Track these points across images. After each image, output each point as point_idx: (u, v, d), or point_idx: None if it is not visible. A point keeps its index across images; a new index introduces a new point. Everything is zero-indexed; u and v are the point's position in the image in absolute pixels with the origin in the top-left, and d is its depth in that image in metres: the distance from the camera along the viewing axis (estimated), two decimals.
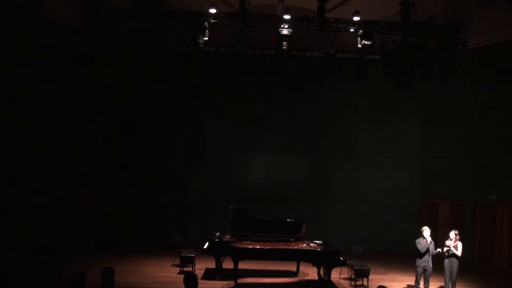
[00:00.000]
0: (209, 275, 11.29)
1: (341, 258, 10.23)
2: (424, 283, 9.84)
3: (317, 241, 11.11)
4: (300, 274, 11.87)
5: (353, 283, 10.88)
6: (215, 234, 11.62)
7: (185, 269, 11.58)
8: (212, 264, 11.65)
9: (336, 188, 15.93)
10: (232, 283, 10.32)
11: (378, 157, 15.92)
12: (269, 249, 10.29)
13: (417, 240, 9.76)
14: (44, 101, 12.51)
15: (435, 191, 15.29)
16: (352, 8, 12.51)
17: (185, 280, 5.45)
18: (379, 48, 12.99)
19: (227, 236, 11.48)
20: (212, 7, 12.15)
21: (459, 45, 13.04)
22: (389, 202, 15.74)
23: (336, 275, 11.40)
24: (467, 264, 12.86)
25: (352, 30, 12.83)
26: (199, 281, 10.87)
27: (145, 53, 12.58)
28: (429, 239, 9.71)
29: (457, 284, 10.03)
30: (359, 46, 12.79)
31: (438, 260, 10.22)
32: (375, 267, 12.19)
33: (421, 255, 9.69)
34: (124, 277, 10.57)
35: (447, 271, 9.85)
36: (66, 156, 13.20)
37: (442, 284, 10.20)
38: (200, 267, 11.80)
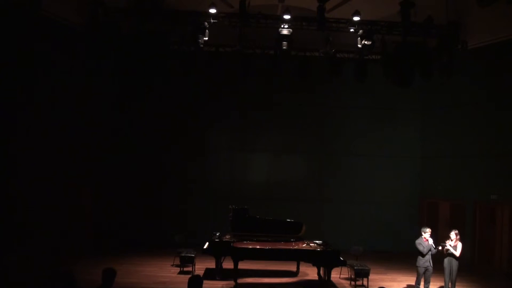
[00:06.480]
0: (209, 275, 11.27)
1: (341, 258, 10.24)
2: (425, 283, 9.85)
3: (317, 241, 11.12)
4: (300, 274, 11.88)
5: (353, 283, 10.89)
6: (215, 234, 11.63)
7: (185, 269, 11.57)
8: (212, 264, 11.65)
9: (336, 188, 15.91)
10: (232, 283, 10.33)
11: (378, 157, 15.91)
12: (269, 249, 10.29)
13: (417, 241, 9.76)
14: (44, 101, 12.51)
15: (435, 191, 15.29)
16: (352, 8, 12.50)
17: (189, 283, 5.29)
18: (379, 48, 12.99)
19: (227, 236, 11.49)
20: (212, 7, 12.14)
21: (459, 45, 13.06)
22: (389, 202, 15.73)
23: (336, 275, 11.41)
24: (467, 264, 12.83)
25: (352, 30, 12.82)
26: None
27: (145, 53, 12.58)
28: (430, 239, 9.72)
29: (457, 284, 10.04)
30: (359, 46, 12.79)
31: (438, 260, 10.22)
32: (375, 267, 12.19)
33: (423, 255, 9.70)
34: (124, 277, 10.55)
35: (446, 271, 9.86)
36: (66, 155, 13.19)
37: (442, 284, 10.20)
38: (200, 267, 11.80)
